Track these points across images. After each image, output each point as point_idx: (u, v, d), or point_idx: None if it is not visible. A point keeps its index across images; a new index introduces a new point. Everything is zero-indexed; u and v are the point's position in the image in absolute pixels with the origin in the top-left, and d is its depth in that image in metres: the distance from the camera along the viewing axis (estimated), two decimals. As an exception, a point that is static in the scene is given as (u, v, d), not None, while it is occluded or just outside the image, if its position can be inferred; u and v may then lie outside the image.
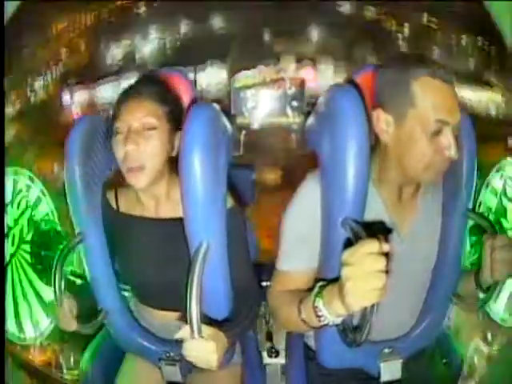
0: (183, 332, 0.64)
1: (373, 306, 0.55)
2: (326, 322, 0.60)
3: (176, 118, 0.80)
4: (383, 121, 0.71)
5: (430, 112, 0.67)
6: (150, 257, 0.82)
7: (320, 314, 0.60)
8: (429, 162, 0.70)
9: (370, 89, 0.74)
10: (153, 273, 0.82)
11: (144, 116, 0.76)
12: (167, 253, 0.81)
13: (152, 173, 0.77)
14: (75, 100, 1.53)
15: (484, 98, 1.36)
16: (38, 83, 1.37)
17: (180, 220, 0.74)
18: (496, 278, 0.71)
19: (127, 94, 0.80)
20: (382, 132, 0.72)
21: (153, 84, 0.82)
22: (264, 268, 0.93)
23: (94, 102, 1.59)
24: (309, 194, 0.76)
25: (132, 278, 0.87)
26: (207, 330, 0.64)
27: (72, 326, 0.75)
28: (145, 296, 0.89)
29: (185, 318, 0.64)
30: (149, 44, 1.65)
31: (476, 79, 1.36)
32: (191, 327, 0.62)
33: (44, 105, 1.40)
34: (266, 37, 1.66)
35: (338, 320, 0.60)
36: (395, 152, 0.72)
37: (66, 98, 1.51)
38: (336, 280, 0.57)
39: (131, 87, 0.81)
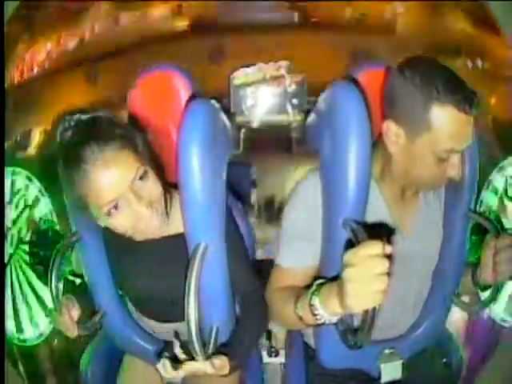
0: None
1: (374, 308, 0.54)
2: (322, 321, 0.60)
3: (144, 152, 0.69)
4: (393, 133, 0.70)
5: (445, 140, 0.66)
6: (149, 273, 0.80)
7: (316, 312, 0.59)
8: (432, 178, 0.71)
9: (378, 88, 0.73)
10: (151, 288, 0.80)
11: (135, 168, 0.65)
12: (166, 269, 0.79)
13: (163, 209, 0.70)
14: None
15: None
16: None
17: (178, 236, 0.73)
18: (498, 278, 0.71)
19: (83, 172, 0.62)
20: (391, 143, 0.71)
21: (98, 137, 0.64)
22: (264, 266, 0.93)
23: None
24: (309, 190, 0.76)
25: (130, 292, 0.86)
26: (208, 363, 0.63)
27: (74, 331, 0.74)
28: (143, 308, 0.87)
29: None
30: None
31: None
32: (192, 346, 0.62)
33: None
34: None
35: (334, 319, 0.60)
36: (401, 162, 0.71)
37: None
38: (334, 279, 0.57)
39: (81, 160, 0.62)
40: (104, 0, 1.52)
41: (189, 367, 0.64)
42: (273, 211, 1.53)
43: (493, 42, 1.31)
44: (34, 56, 1.36)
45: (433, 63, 0.69)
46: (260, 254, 1.17)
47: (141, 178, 0.66)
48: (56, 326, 0.77)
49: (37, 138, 1.34)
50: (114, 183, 0.63)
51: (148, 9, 1.55)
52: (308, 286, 0.64)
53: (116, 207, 0.65)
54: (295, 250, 0.76)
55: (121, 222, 0.67)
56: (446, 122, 0.65)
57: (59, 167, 0.66)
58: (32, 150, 1.33)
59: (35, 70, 1.36)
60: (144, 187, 0.67)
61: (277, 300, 0.75)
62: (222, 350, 0.68)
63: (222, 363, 0.65)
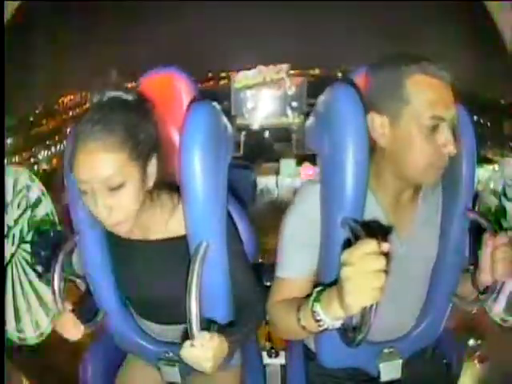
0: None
1: (372, 305, 0.55)
2: (325, 327, 0.60)
3: (145, 148, 0.70)
4: (378, 123, 0.71)
5: (425, 108, 0.67)
6: (149, 275, 0.80)
7: (318, 318, 0.60)
8: (428, 161, 0.69)
9: (364, 88, 0.74)
10: (151, 291, 0.80)
11: (104, 176, 0.66)
12: (166, 272, 0.79)
13: (132, 219, 0.71)
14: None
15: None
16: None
17: (180, 238, 0.74)
18: (496, 277, 0.71)
19: (77, 142, 0.67)
20: (378, 135, 0.71)
21: (108, 122, 0.67)
22: (265, 268, 0.93)
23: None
24: (308, 199, 0.76)
25: (130, 295, 0.86)
26: (208, 336, 0.63)
27: (78, 335, 0.75)
28: (142, 311, 0.87)
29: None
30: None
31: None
32: (190, 331, 0.62)
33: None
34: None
35: (337, 323, 0.60)
36: (393, 154, 0.71)
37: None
38: (333, 284, 0.58)
39: (81, 131, 0.67)
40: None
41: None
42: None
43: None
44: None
45: (402, 53, 0.73)
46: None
47: (113, 188, 0.67)
48: (59, 331, 0.77)
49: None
50: (88, 169, 0.66)
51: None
52: (308, 295, 0.64)
53: (84, 188, 0.68)
54: (296, 259, 0.76)
55: (86, 203, 0.70)
56: (420, 89, 0.68)
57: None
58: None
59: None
60: (114, 194, 0.68)
61: (278, 312, 0.76)
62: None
63: (213, 337, 0.63)
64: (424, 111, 0.67)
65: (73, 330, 0.75)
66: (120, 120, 0.68)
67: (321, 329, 0.61)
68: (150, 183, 0.72)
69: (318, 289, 0.62)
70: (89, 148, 0.66)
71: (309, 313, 0.61)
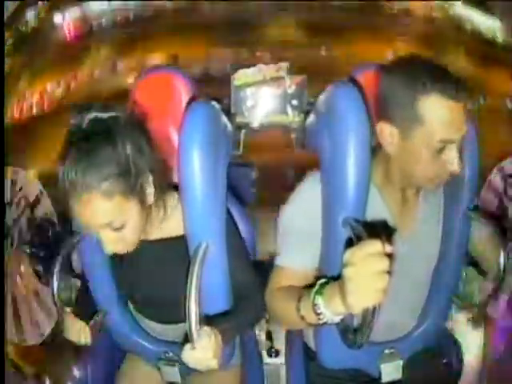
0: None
1: (374, 307, 0.54)
2: (325, 320, 0.60)
3: (139, 174, 0.67)
4: (387, 133, 0.70)
5: (437, 132, 0.66)
6: (148, 274, 0.80)
7: (319, 311, 0.59)
8: (433, 175, 0.70)
9: (373, 89, 0.73)
10: (151, 290, 0.80)
11: (104, 223, 0.65)
12: (165, 271, 0.79)
13: (136, 240, 0.72)
14: (67, 18, 1.46)
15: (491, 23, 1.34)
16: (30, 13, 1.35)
17: (179, 238, 0.74)
18: None
19: (69, 189, 0.63)
20: (387, 143, 0.71)
21: (95, 161, 0.63)
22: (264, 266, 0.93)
23: (85, 17, 1.50)
24: (309, 191, 0.76)
25: (130, 294, 0.86)
26: (207, 339, 0.62)
27: (87, 340, 0.77)
28: (142, 310, 0.87)
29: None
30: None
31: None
32: (190, 334, 0.61)
33: (36, 31, 1.38)
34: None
35: (337, 318, 0.60)
36: (400, 161, 0.71)
37: (57, 18, 1.45)
38: (337, 278, 0.57)
39: (69, 177, 0.63)
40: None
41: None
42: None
43: (495, 79, 1.32)
44: (34, 95, 1.37)
45: (417, 59, 0.70)
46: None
47: (116, 228, 0.67)
48: (69, 337, 0.78)
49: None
50: (87, 219, 0.66)
51: (146, 56, 1.55)
52: (310, 286, 0.64)
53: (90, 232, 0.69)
54: (295, 250, 0.76)
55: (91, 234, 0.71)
56: (435, 111, 0.66)
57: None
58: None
59: (34, 109, 1.37)
60: (118, 230, 0.68)
61: (277, 300, 0.75)
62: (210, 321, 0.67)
63: (211, 337, 0.63)
64: (436, 133, 0.66)
65: (80, 334, 0.77)
66: (107, 156, 0.64)
67: (320, 322, 0.60)
68: (151, 200, 0.72)
69: (321, 281, 0.61)
70: (83, 199, 0.63)
71: (309, 305, 0.60)
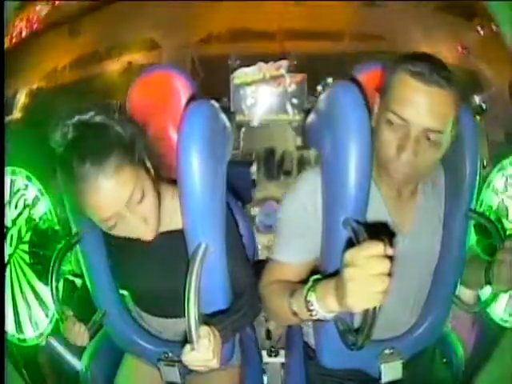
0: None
1: (375, 308, 0.54)
2: (317, 317, 0.60)
3: (138, 146, 0.70)
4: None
5: (392, 102, 0.67)
6: (148, 268, 0.80)
7: (311, 308, 0.59)
8: (387, 155, 0.69)
9: (377, 87, 0.73)
10: (151, 284, 0.80)
11: (126, 198, 0.66)
12: (166, 264, 0.79)
13: (156, 224, 0.72)
14: None
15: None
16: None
17: (178, 232, 0.73)
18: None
19: (83, 184, 0.63)
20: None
21: (102, 144, 0.65)
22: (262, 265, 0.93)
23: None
24: (308, 186, 0.75)
25: (130, 289, 0.86)
26: (207, 340, 0.62)
27: (84, 342, 0.77)
28: (143, 304, 0.87)
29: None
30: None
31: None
32: (190, 336, 0.61)
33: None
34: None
35: (330, 315, 0.60)
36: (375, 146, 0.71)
37: None
38: (331, 275, 0.57)
39: (82, 171, 0.63)
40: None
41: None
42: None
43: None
44: (23, 20, 1.36)
45: (420, 54, 0.70)
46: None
47: (138, 202, 0.67)
48: (67, 337, 0.79)
49: (22, 99, 1.32)
50: (110, 203, 0.65)
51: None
52: (303, 281, 0.63)
53: (113, 223, 0.67)
54: (291, 244, 0.76)
55: (118, 233, 0.70)
56: (398, 86, 0.67)
57: (57, 179, 0.68)
58: (17, 113, 1.32)
59: (23, 33, 1.35)
60: (140, 205, 0.68)
61: (271, 294, 0.75)
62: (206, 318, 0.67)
63: (210, 338, 0.62)
64: (389, 104, 0.68)
65: (80, 336, 0.77)
66: (105, 138, 0.66)
67: (312, 318, 0.60)
68: (152, 174, 0.73)
69: (315, 277, 0.61)
70: (100, 183, 0.63)
71: (302, 301, 0.60)
